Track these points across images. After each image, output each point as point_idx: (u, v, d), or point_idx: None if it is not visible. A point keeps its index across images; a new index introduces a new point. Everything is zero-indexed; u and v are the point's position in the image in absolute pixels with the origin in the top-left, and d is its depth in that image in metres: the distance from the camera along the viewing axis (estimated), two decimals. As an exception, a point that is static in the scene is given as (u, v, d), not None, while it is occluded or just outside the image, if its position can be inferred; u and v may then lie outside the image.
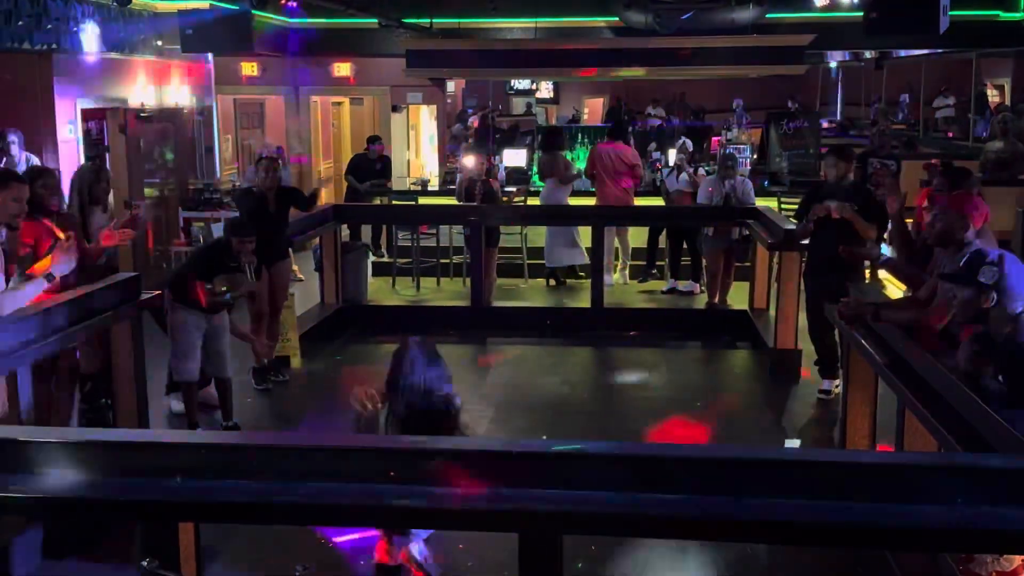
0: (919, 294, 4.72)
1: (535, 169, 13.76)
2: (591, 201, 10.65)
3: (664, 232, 10.25)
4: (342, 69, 14.99)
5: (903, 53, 17.68)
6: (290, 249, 7.84)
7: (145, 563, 2.72)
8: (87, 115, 10.61)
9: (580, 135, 14.10)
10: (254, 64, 14.06)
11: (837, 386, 6.75)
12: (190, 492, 2.95)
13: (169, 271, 9.86)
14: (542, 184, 10.79)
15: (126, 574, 4.21)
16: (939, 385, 3.85)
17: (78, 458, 3.04)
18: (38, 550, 4.35)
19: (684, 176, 9.98)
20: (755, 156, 14.80)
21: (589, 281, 10.16)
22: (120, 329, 5.21)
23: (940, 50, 16.19)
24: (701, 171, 10.21)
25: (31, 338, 4.38)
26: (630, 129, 13.75)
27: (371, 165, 11.79)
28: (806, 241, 7.03)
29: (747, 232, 8.86)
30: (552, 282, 10.47)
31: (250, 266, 6.24)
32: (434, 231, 10.48)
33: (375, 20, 13.08)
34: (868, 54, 18.20)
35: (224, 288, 5.97)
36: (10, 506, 3.17)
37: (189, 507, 3.01)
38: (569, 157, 11.06)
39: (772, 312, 8.06)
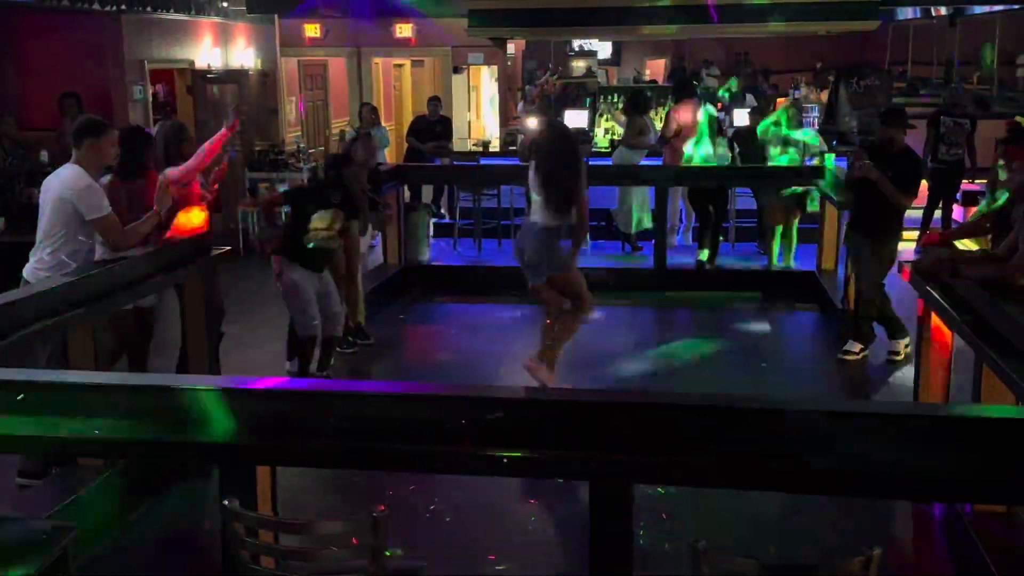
0: (999, 250, 4.60)
1: (595, 131, 13.66)
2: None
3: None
4: (404, 30, 14.95)
5: (978, 9, 17.07)
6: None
7: (227, 502, 2.78)
8: (155, 77, 10.78)
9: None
10: (317, 26, 14.12)
11: (907, 345, 6.62)
12: (266, 436, 3.00)
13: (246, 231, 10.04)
14: (605, 145, 10.71)
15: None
16: (1019, 340, 3.75)
17: (157, 403, 3.11)
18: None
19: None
20: (821, 118, 14.46)
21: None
22: (192, 285, 5.32)
23: (1018, 5, 15.59)
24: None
25: (104, 290, 4.49)
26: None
27: (432, 127, 11.79)
28: None
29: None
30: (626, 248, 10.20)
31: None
32: (495, 192, 10.45)
33: (436, -20, 13.04)
34: (942, 10, 17.60)
35: (321, 226, 5.99)
36: (92, 447, 3.27)
37: (265, 451, 3.06)
38: (657, 120, 10.71)
39: (840, 272, 7.93)
